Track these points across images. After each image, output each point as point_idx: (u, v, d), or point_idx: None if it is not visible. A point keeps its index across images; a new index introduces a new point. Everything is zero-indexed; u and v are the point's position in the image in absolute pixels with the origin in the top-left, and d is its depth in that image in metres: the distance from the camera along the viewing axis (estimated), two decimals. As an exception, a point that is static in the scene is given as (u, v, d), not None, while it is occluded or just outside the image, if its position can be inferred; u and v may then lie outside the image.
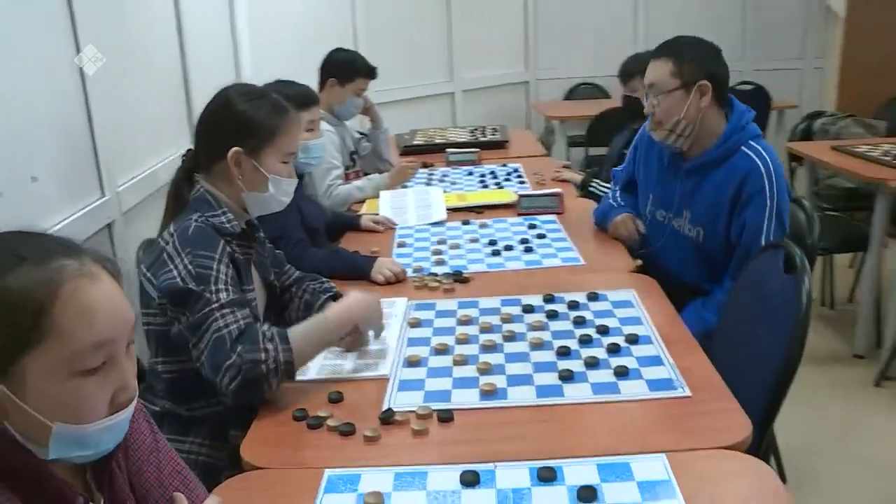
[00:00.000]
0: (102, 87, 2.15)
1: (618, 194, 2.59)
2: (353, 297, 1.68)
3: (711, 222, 2.20)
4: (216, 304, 1.48)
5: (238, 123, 1.62)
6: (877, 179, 3.23)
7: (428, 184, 3.21)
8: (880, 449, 2.76)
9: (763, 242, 2.06)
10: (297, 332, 1.53)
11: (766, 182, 2.09)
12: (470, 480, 1.23)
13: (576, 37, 5.97)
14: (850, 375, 3.27)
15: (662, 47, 2.23)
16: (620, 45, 6.00)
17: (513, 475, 1.25)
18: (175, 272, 1.50)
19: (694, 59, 2.17)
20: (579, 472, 1.25)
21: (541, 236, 2.47)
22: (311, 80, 2.91)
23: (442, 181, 3.25)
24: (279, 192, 1.68)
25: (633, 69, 3.26)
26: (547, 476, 1.23)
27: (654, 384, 1.53)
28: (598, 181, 3.23)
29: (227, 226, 1.61)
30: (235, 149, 1.61)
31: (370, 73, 3.18)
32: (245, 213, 1.69)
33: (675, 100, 2.16)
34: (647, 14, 6.02)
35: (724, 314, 2.00)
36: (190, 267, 1.50)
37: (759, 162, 2.11)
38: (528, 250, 2.35)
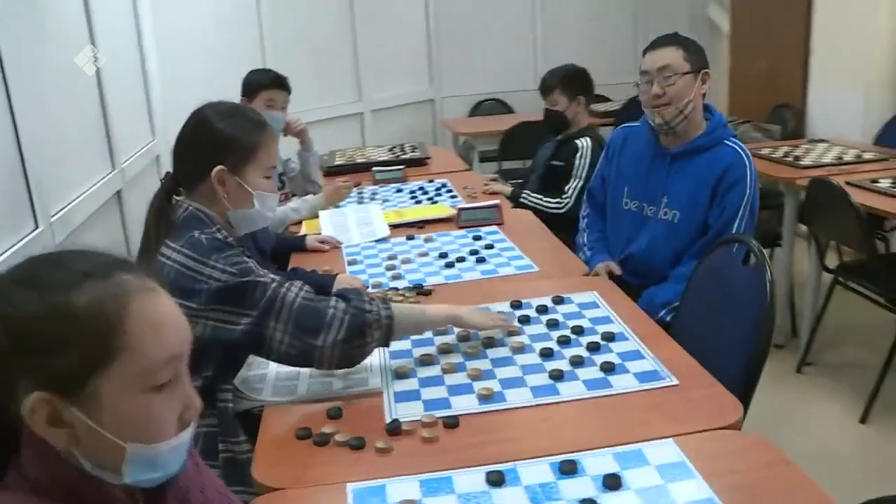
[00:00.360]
0: (28, 114, 2.09)
1: (586, 221, 2.79)
2: (459, 308, 1.76)
3: (690, 205, 2.38)
4: (276, 283, 1.52)
5: (219, 142, 1.61)
6: (785, 179, 3.44)
7: (360, 203, 3.22)
8: (808, 431, 2.93)
9: (735, 228, 2.25)
10: (395, 305, 1.61)
11: (748, 173, 2.32)
12: (496, 480, 1.25)
13: (477, 55, 6.10)
14: (773, 364, 3.43)
15: (667, 37, 2.45)
16: (520, 62, 6.20)
17: (535, 472, 1.27)
18: (213, 278, 1.49)
19: (696, 50, 2.40)
20: (598, 462, 1.29)
21: (489, 247, 2.51)
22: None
23: (373, 199, 3.26)
24: (265, 208, 1.68)
25: (551, 83, 3.37)
26: (569, 469, 1.26)
27: (641, 376, 1.58)
28: (528, 192, 3.32)
29: (226, 241, 1.60)
30: (219, 167, 1.60)
31: (274, 83, 3.16)
32: (233, 231, 1.67)
33: (687, 82, 2.36)
34: (545, 33, 6.20)
35: (686, 307, 2.10)
36: (227, 267, 1.51)
37: (742, 155, 2.36)
38: (481, 261, 2.39)
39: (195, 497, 1.01)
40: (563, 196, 3.24)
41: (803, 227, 3.53)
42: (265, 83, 3.14)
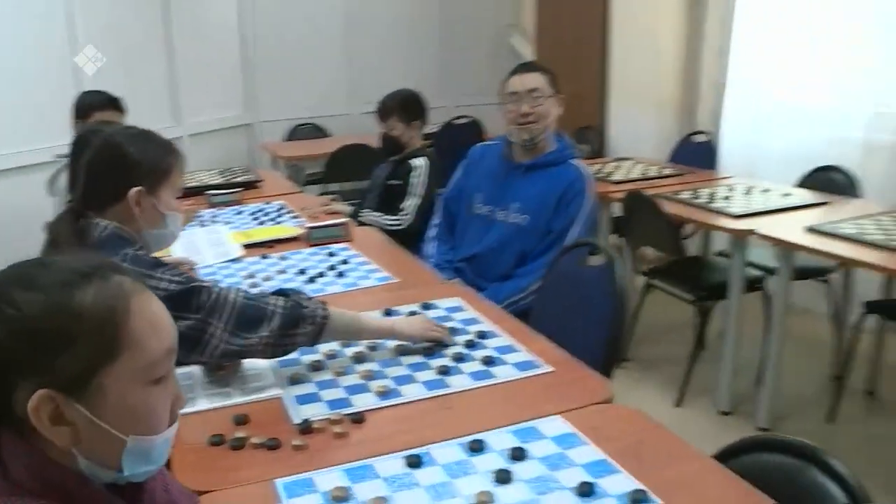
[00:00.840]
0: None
1: (436, 231, 3.02)
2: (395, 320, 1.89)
3: (538, 210, 2.68)
4: (220, 289, 1.60)
5: (135, 165, 1.68)
6: (601, 194, 3.77)
7: (202, 226, 3.21)
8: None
9: (574, 233, 2.58)
10: (332, 308, 1.72)
11: (587, 188, 2.67)
12: (414, 462, 1.36)
13: (293, 81, 6.15)
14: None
15: (533, 64, 2.96)
16: (333, 88, 6.33)
17: (447, 452, 1.40)
18: (161, 288, 1.53)
19: (554, 78, 2.76)
20: (500, 439, 1.44)
21: (344, 262, 2.62)
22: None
23: (215, 222, 3.26)
24: (175, 228, 1.73)
25: (389, 108, 3.52)
26: (477, 447, 1.41)
27: (520, 366, 1.76)
28: (367, 210, 3.44)
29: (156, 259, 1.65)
30: (137, 189, 1.65)
31: (108, 103, 3.12)
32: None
33: (551, 103, 2.75)
34: (354, 60, 6.36)
35: (544, 307, 2.31)
36: (172, 277, 1.56)
37: (584, 173, 2.71)
38: (341, 275, 2.49)
39: (160, 496, 1.05)
40: (401, 213, 3.39)
41: (613, 238, 3.91)
42: (98, 104, 3.08)
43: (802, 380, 3.58)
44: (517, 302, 2.56)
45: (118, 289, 0.88)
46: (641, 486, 1.27)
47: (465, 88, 6.57)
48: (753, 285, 3.40)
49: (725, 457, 1.35)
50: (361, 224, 3.31)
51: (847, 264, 3.33)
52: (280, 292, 1.71)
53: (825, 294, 3.68)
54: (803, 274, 3.46)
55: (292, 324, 1.64)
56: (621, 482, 1.29)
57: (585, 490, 1.26)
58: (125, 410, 0.87)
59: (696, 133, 4.77)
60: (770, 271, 3.46)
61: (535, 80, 2.75)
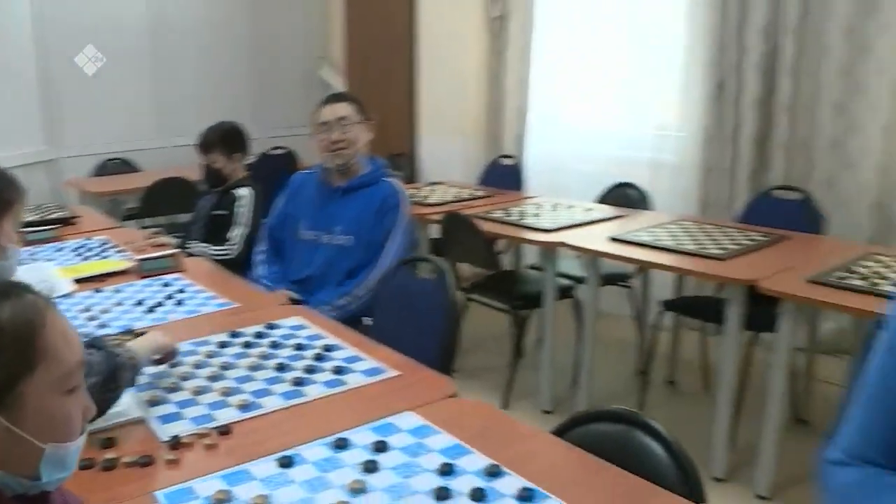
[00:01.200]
0: None
1: (263, 257, 3.12)
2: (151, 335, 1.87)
3: (359, 229, 2.87)
4: None
5: None
6: (420, 216, 3.99)
7: (20, 264, 3.10)
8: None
9: (393, 245, 2.80)
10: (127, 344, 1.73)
11: (401, 202, 2.88)
12: (287, 463, 1.47)
13: (99, 115, 5.97)
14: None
15: (341, 94, 3.14)
16: (140, 123, 6.19)
17: (315, 452, 1.52)
18: None
19: (361, 105, 2.95)
20: (361, 436, 1.58)
21: (181, 291, 2.65)
22: None
23: (35, 259, 3.17)
24: (15, 260, 1.71)
25: (211, 142, 3.56)
26: (342, 444, 1.54)
27: (368, 372, 1.91)
28: (194, 242, 3.46)
29: None
30: None
31: None
32: None
33: (362, 129, 2.95)
34: (164, 94, 6.26)
35: (382, 320, 2.47)
36: None
37: (397, 189, 2.92)
38: (180, 303, 2.53)
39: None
40: (229, 243, 3.44)
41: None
42: None
43: (613, 377, 3.95)
44: (345, 307, 2.78)
45: (33, 305, 0.95)
46: (494, 462, 1.45)
47: (278, 120, 6.63)
48: (565, 294, 3.73)
49: (561, 432, 1.56)
50: (190, 255, 3.33)
51: (645, 268, 3.74)
52: (91, 344, 1.66)
53: (627, 297, 4.08)
54: (608, 280, 3.84)
55: (112, 376, 1.60)
56: (476, 461, 1.47)
57: (446, 470, 1.43)
58: (43, 419, 0.94)
59: (502, 157, 5.12)
60: (578, 280, 3.81)
61: (343, 108, 2.95)
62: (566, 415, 3.37)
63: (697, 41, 4.37)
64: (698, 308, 3.59)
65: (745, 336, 3.09)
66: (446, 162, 5.54)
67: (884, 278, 2.63)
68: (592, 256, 3.35)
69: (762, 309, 2.82)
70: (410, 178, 5.49)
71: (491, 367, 4.04)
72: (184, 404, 1.76)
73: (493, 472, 1.42)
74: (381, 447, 1.52)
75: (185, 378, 1.90)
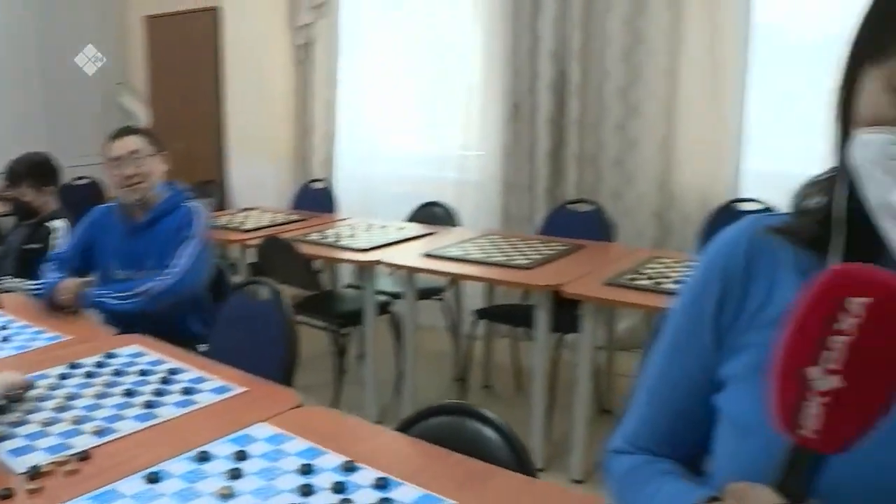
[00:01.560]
0: None
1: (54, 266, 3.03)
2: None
3: (168, 259, 2.84)
4: None
5: None
6: (238, 241, 4.07)
7: None
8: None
9: (194, 260, 2.85)
10: None
11: (196, 220, 2.94)
12: (154, 479, 1.56)
13: None
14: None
15: (129, 128, 3.04)
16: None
17: (179, 466, 1.62)
18: None
19: (153, 137, 2.95)
20: (222, 448, 1.69)
21: (3, 328, 2.61)
22: None
23: None
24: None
25: (19, 172, 3.48)
26: (204, 457, 1.65)
27: (216, 391, 2.01)
28: (7, 277, 3.37)
29: None
30: None
31: None
32: None
33: (155, 161, 2.94)
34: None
35: (222, 340, 2.56)
36: None
37: (193, 210, 2.97)
38: (6, 340, 2.49)
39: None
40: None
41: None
42: None
43: (433, 385, 4.19)
44: (126, 300, 2.78)
45: None
46: (348, 458, 1.62)
47: (77, 149, 6.37)
48: (383, 309, 3.93)
49: (404, 428, 1.75)
50: (4, 291, 3.24)
51: (458, 280, 4.02)
52: None
53: (441, 310, 4.35)
54: (423, 294, 4.08)
55: None
56: (331, 459, 1.63)
57: (306, 469, 1.58)
58: None
59: (313, 181, 5.27)
60: (395, 296, 4.02)
61: (133, 142, 2.91)
62: (392, 424, 3.59)
63: (494, 66, 4.75)
64: (508, 315, 3.91)
65: (552, 338, 3.42)
66: (257, 187, 5.61)
67: (667, 277, 3.04)
68: (409, 272, 3.58)
69: (565, 312, 3.16)
70: (221, 205, 5.52)
71: (316, 384, 4.16)
72: (34, 436, 1.79)
73: (349, 468, 1.58)
74: (241, 456, 1.64)
75: (30, 412, 1.92)
